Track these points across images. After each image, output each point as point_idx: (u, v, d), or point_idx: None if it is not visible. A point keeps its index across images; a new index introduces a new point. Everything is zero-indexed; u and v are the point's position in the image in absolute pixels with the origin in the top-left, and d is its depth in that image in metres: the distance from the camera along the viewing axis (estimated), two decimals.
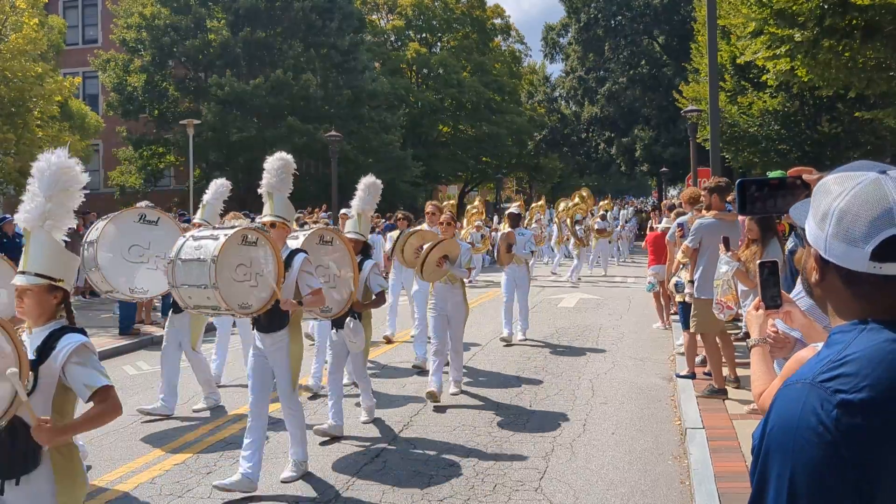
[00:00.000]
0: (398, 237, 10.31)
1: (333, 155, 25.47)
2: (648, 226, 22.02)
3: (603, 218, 23.40)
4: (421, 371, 9.46)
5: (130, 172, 35.42)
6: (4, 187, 24.01)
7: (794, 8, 11.94)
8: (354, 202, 7.62)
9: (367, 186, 7.59)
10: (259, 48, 34.01)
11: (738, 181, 1.95)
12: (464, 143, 47.95)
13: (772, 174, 2.02)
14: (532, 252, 12.29)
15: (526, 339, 11.77)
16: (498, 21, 52.84)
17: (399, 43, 49.20)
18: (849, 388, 1.29)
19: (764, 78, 17.15)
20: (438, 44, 50.29)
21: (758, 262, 2.32)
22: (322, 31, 35.54)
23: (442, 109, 46.67)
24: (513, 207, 13.53)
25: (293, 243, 6.23)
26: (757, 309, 2.52)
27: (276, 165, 6.21)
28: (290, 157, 6.38)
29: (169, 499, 5.61)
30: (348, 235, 7.20)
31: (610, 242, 24.00)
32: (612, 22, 50.49)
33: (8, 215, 16.40)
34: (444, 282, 8.22)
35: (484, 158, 49.61)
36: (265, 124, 34.16)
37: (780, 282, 2.34)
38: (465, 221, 16.67)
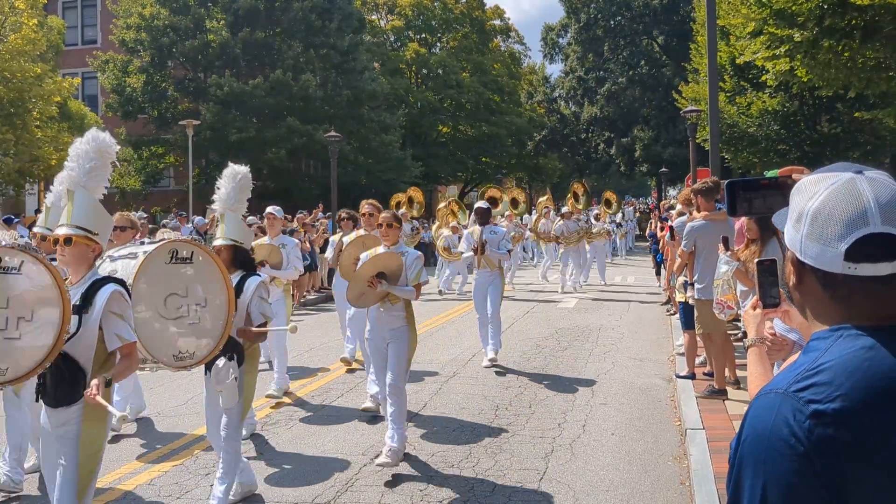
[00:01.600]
0: (339, 242, 9.03)
1: (333, 155, 25.42)
2: (648, 226, 22.01)
3: (597, 218, 22.09)
4: (375, 416, 7.61)
5: (130, 174, 35.42)
6: (3, 188, 24.00)
7: (793, 8, 11.93)
8: (217, 200, 5.77)
9: (231, 177, 5.70)
10: (258, 48, 34.02)
11: (727, 183, 1.93)
12: (463, 144, 47.96)
13: (769, 174, 1.99)
14: (508, 252, 10.76)
15: (496, 363, 9.83)
16: (497, 22, 52.85)
17: (398, 43, 49.22)
18: (822, 398, 1.26)
19: (763, 78, 17.14)
20: (438, 44, 50.29)
21: (756, 260, 2.31)
22: (321, 31, 35.54)
23: (441, 110, 46.69)
24: (481, 202, 11.96)
25: (128, 264, 4.22)
26: (755, 308, 2.51)
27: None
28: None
29: (168, 500, 5.59)
30: (216, 243, 5.49)
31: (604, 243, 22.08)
32: (612, 22, 50.56)
33: (13, 216, 16.40)
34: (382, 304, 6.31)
35: (484, 159, 49.63)
36: (264, 125, 34.16)
37: (778, 281, 2.32)
38: (437, 223, 16.35)
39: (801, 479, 1.23)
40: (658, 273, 20.41)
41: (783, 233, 1.52)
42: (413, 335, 6.39)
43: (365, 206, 8.13)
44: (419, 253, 6.53)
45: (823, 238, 1.34)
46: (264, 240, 9.17)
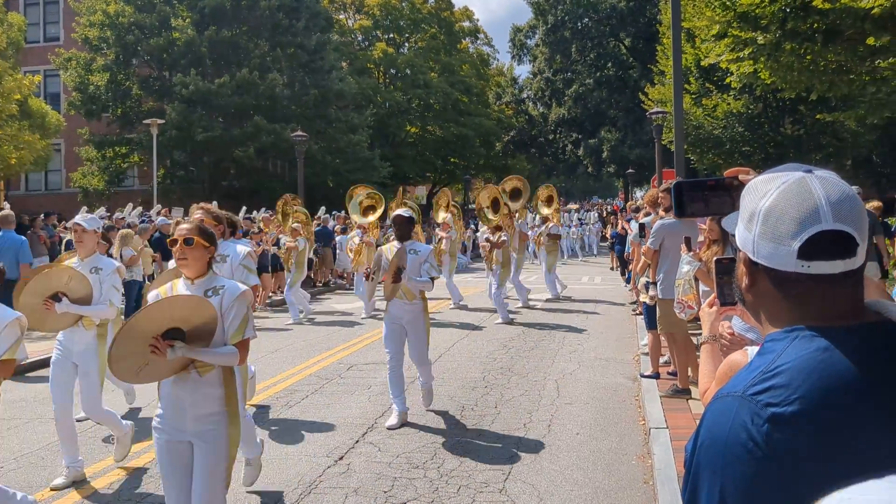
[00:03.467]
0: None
1: (300, 155, 25.30)
2: (610, 226, 22.12)
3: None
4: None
5: (93, 173, 34.90)
6: None
7: (756, 11, 12.04)
8: None
9: None
10: (224, 47, 33.70)
11: (673, 183, 1.91)
12: (431, 144, 47.94)
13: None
14: (432, 279, 7.47)
15: (395, 428, 7.26)
16: (466, 24, 52.91)
17: (366, 43, 49.08)
18: (779, 401, 1.24)
19: (728, 80, 17.31)
20: (406, 44, 50.22)
21: (714, 258, 2.32)
22: (289, 30, 35.33)
23: (409, 110, 46.63)
24: (402, 210, 7.76)
25: None
26: (711, 306, 2.52)
27: None
28: None
29: (147, 492, 5.50)
30: None
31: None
32: (579, 24, 50.88)
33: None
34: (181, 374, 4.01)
35: (452, 159, 49.63)
36: (231, 124, 33.87)
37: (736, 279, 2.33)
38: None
39: (760, 483, 1.21)
40: (623, 273, 20.59)
41: (733, 237, 1.50)
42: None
43: (196, 210, 6.19)
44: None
45: (776, 237, 1.33)
46: (72, 261, 6.27)
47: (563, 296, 17.73)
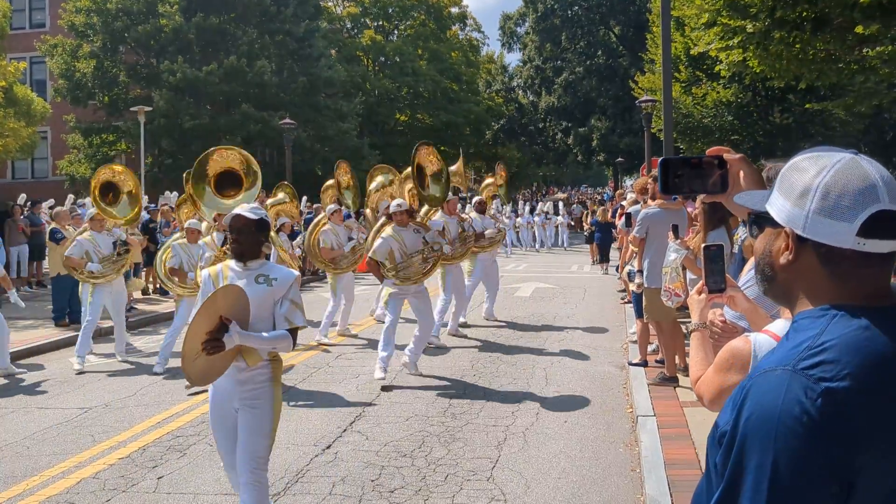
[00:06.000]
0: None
1: (288, 143, 25.18)
2: (590, 214, 21.95)
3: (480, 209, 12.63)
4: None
5: (80, 161, 34.63)
6: None
7: (745, 0, 12.04)
8: None
9: None
10: (212, 34, 33.41)
11: (660, 160, 1.92)
12: (421, 132, 47.73)
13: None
14: (292, 332, 4.34)
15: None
16: (455, 10, 52.70)
17: (355, 30, 48.82)
18: (832, 375, 1.27)
19: (717, 69, 17.30)
20: (395, 31, 49.99)
21: (702, 245, 2.31)
22: (277, 17, 35.07)
23: (399, 98, 46.47)
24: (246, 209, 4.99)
25: None
26: (700, 293, 2.50)
27: None
28: None
29: (113, 493, 5.47)
30: None
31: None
32: (569, 12, 50.79)
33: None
34: None
35: (442, 147, 49.45)
36: (218, 111, 33.64)
37: (724, 266, 2.32)
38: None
39: (812, 456, 1.24)
40: (601, 260, 20.58)
41: (756, 212, 1.51)
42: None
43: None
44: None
45: (836, 213, 1.35)
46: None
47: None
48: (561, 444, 6.38)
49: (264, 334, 4.01)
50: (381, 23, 49.12)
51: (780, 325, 2.20)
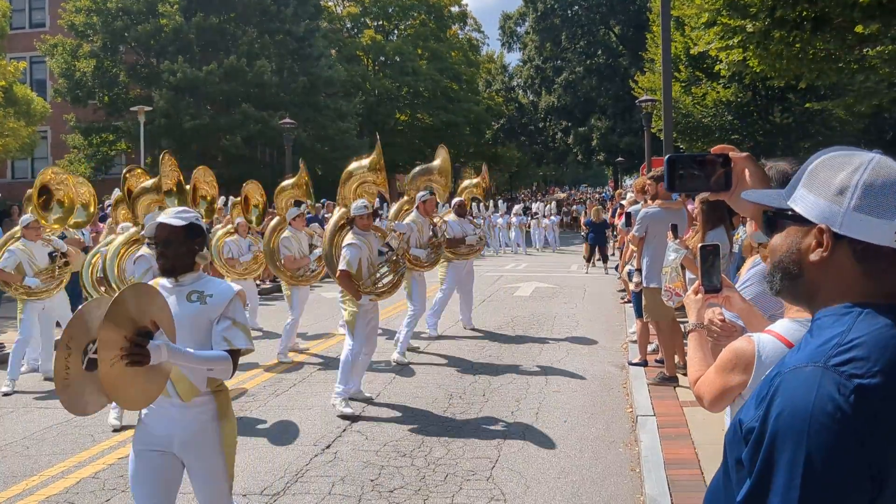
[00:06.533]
0: None
1: (288, 143, 25.16)
2: (583, 213, 21.94)
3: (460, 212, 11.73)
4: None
5: (80, 161, 34.62)
6: None
7: None
8: None
9: None
10: (212, 34, 33.42)
11: (667, 157, 1.92)
12: (421, 132, 47.78)
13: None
14: (232, 353, 3.58)
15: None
16: (455, 9, 52.70)
17: (355, 30, 48.81)
18: (863, 372, 1.28)
19: (717, 68, 17.29)
20: (395, 31, 49.97)
21: (699, 245, 2.30)
22: (277, 17, 35.08)
23: (399, 97, 46.46)
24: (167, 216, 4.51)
25: None
26: (696, 293, 2.50)
27: None
28: None
29: (112, 493, 5.47)
30: None
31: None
32: (569, 12, 50.82)
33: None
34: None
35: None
36: (219, 111, 33.63)
37: (720, 266, 2.32)
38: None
39: (846, 451, 1.24)
40: (601, 260, 20.60)
41: (777, 209, 1.50)
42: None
43: None
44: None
45: (878, 210, 1.36)
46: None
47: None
48: (560, 443, 6.38)
49: (196, 351, 3.26)
50: (381, 22, 49.12)
51: (784, 326, 2.19)
